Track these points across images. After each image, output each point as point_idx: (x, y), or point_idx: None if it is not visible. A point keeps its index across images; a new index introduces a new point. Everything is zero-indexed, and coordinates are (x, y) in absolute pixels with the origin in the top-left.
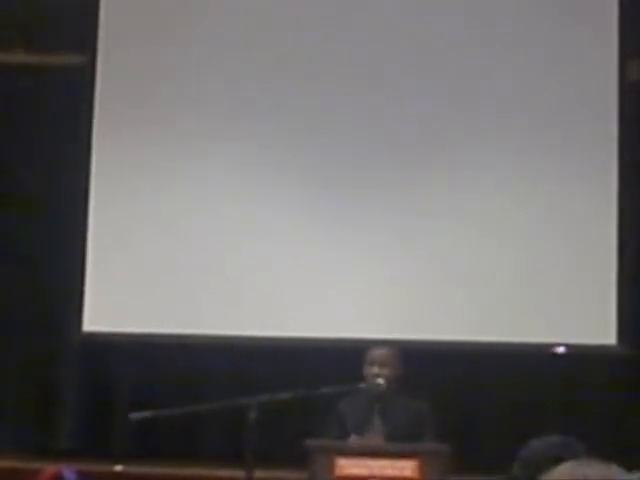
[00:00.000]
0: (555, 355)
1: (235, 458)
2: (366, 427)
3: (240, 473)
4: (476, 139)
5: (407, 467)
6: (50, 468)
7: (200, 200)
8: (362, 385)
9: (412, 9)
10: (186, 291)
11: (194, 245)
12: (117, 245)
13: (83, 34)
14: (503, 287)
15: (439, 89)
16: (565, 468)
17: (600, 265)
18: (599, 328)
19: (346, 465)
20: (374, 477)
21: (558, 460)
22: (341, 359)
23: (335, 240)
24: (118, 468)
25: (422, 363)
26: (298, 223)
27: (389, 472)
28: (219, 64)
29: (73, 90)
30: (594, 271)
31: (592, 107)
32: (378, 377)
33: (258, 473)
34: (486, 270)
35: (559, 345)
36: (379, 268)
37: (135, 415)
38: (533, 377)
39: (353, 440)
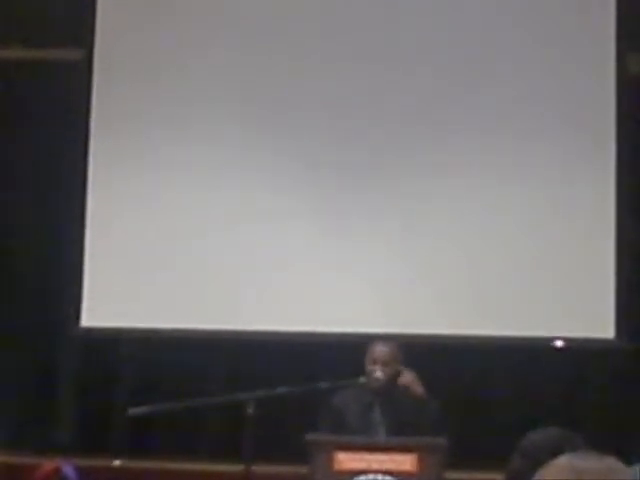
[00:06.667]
0: (553, 349)
1: (234, 453)
2: (367, 422)
3: (239, 468)
4: (476, 129)
5: (406, 461)
6: (49, 463)
7: (200, 193)
8: (360, 380)
9: None
10: (185, 286)
11: (193, 240)
12: (116, 240)
13: (80, 29)
14: (501, 281)
15: (440, 79)
16: (564, 460)
17: (598, 259)
18: (597, 322)
19: (345, 459)
20: (373, 471)
21: (557, 452)
22: (340, 354)
23: (334, 233)
24: (117, 463)
25: (420, 357)
26: (297, 215)
27: (388, 466)
28: (217, 57)
29: (70, 85)
30: (592, 265)
31: (590, 97)
32: (379, 373)
33: (257, 468)
34: (484, 264)
35: (557, 339)
36: (378, 261)
37: (134, 410)
38: (531, 371)
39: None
